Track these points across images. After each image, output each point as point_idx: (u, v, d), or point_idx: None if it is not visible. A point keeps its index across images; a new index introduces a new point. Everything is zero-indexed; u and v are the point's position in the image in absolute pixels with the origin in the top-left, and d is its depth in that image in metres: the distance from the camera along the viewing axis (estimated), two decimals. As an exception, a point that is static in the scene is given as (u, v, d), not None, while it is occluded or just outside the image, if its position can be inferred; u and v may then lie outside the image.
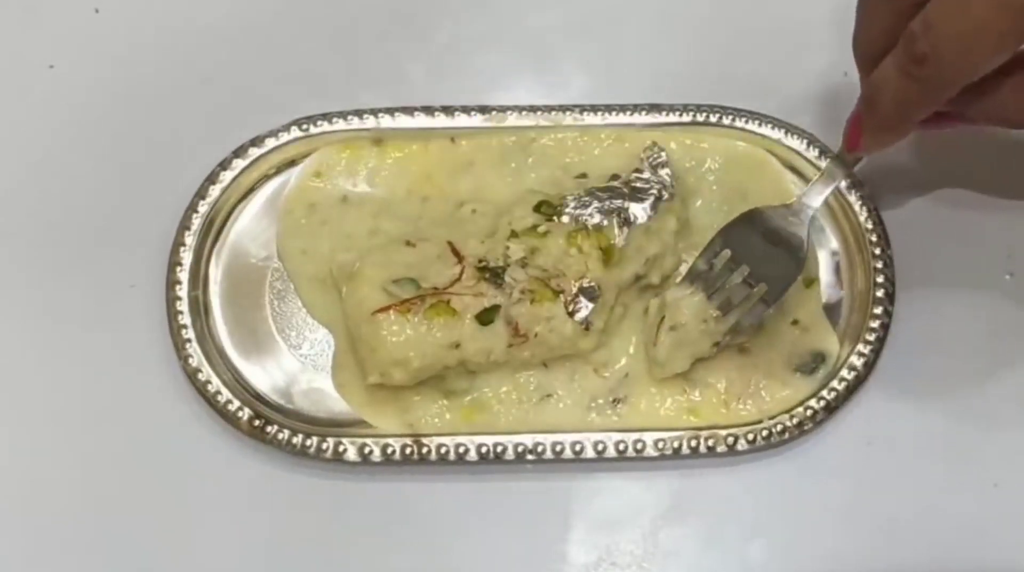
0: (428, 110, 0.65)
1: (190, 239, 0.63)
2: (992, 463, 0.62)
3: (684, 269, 0.62)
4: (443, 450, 0.60)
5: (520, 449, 0.60)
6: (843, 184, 0.63)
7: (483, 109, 0.65)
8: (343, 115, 0.65)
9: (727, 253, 0.60)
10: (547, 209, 0.61)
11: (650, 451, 0.60)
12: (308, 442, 0.60)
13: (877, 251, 0.63)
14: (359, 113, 0.65)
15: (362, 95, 0.66)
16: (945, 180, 0.66)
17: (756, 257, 0.60)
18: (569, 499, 0.62)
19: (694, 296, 0.60)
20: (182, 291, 0.62)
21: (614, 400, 0.62)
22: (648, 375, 0.61)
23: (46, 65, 0.68)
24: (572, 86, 0.68)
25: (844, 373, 0.61)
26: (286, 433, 0.60)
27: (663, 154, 0.62)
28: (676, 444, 0.60)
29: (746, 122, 0.65)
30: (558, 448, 0.60)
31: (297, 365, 0.63)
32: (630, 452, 0.60)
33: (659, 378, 0.61)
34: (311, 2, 0.69)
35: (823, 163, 0.64)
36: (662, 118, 0.65)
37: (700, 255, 0.61)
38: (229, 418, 0.60)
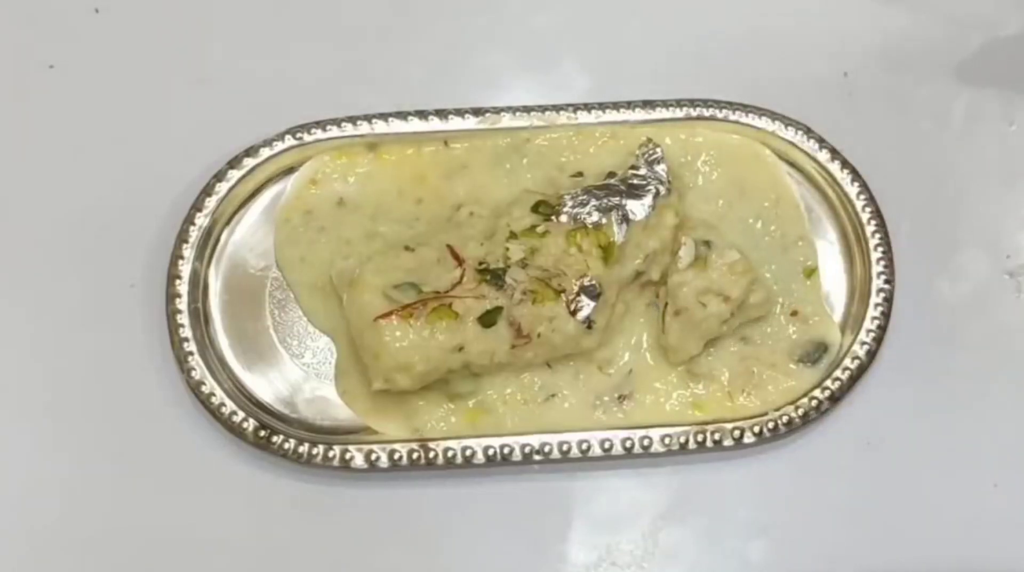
0: (422, 114, 0.65)
1: (188, 252, 0.62)
2: (992, 463, 0.62)
3: (683, 253, 0.62)
4: (450, 454, 0.60)
5: (527, 450, 0.60)
6: (840, 175, 0.64)
7: (476, 111, 0.65)
8: (336, 122, 0.64)
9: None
10: (545, 209, 0.61)
11: (657, 447, 0.60)
12: (315, 451, 0.60)
13: (876, 241, 0.63)
14: (352, 119, 0.65)
15: (362, 97, 0.66)
16: (944, 173, 0.67)
17: None
18: (570, 499, 0.62)
19: (695, 280, 0.61)
20: (182, 303, 0.61)
21: (619, 397, 0.62)
22: (653, 370, 0.62)
23: (46, 65, 0.67)
24: (571, 86, 0.68)
25: (847, 362, 0.61)
26: (292, 442, 0.60)
27: (659, 150, 0.62)
28: (683, 439, 0.60)
29: (740, 115, 0.65)
30: (565, 447, 0.60)
31: (300, 374, 0.62)
32: (637, 449, 0.60)
33: (675, 363, 0.62)
34: (311, 3, 0.69)
35: (820, 154, 0.64)
36: (656, 114, 0.65)
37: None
38: (234, 429, 0.60)
